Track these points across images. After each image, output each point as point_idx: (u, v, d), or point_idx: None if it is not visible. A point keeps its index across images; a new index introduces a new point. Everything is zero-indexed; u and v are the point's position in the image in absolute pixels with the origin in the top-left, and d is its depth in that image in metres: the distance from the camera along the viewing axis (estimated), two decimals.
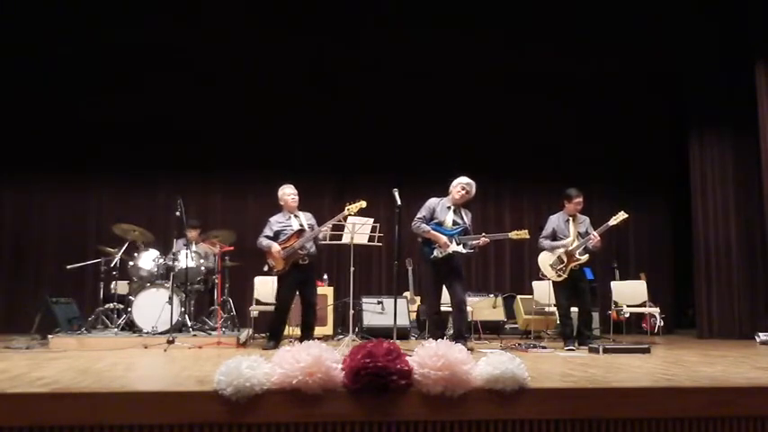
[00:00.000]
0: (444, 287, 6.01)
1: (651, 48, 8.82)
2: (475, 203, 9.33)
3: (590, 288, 6.83)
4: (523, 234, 6.10)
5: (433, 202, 6.08)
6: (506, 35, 8.75)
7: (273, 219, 6.32)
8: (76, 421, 2.83)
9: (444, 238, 5.84)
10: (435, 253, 5.85)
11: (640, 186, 9.84)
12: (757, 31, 7.79)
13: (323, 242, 6.36)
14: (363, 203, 6.03)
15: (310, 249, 6.18)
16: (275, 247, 6.07)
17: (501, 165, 9.68)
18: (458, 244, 5.89)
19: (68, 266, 7.30)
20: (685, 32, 8.57)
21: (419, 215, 6.03)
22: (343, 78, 9.29)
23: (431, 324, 6.05)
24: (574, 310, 6.48)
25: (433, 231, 5.88)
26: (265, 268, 6.38)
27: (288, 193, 6.28)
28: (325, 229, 6.08)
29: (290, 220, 6.26)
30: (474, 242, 5.99)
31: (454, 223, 5.98)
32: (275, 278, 6.40)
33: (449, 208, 6.03)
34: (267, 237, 6.20)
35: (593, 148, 9.71)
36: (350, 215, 6.01)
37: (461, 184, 6.03)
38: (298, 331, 6.50)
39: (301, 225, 6.21)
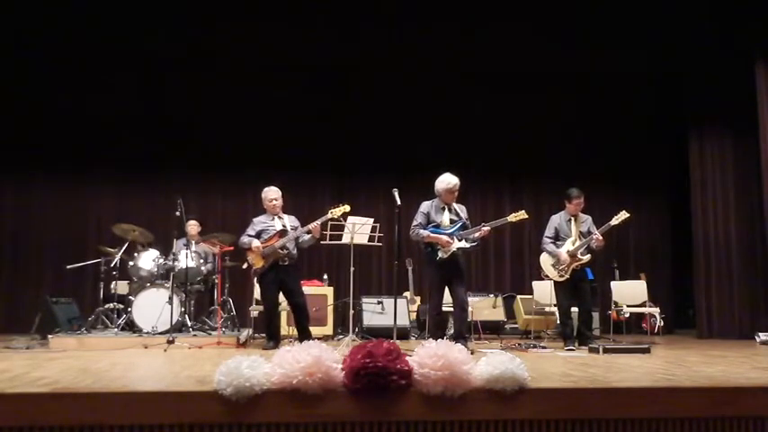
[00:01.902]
0: (447, 288, 5.99)
1: (651, 47, 8.82)
2: (475, 203, 9.40)
3: (591, 288, 6.83)
4: (521, 215, 6.04)
5: (425, 205, 6.02)
6: (506, 35, 8.75)
7: (257, 219, 6.38)
8: (76, 421, 2.83)
9: (445, 238, 5.80)
10: (440, 254, 5.80)
11: (640, 186, 9.85)
12: (757, 31, 7.79)
13: (323, 242, 6.36)
14: (347, 207, 6.05)
15: (291, 251, 6.18)
16: (255, 242, 6.11)
17: (501, 164, 9.71)
18: (459, 240, 5.86)
19: (68, 266, 7.31)
20: (685, 32, 8.57)
21: (415, 222, 5.96)
22: (344, 79, 9.30)
23: (432, 324, 6.03)
24: (574, 310, 6.47)
25: (432, 234, 5.84)
26: (244, 266, 6.42)
27: (270, 198, 6.28)
28: (314, 226, 6.06)
29: (274, 220, 6.29)
30: (476, 234, 5.92)
31: (451, 221, 5.94)
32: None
33: (442, 208, 5.98)
34: (249, 235, 6.23)
35: (593, 148, 9.72)
36: (333, 218, 6.03)
37: (449, 189, 5.93)
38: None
39: (284, 226, 6.23)
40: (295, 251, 6.25)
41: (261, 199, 6.40)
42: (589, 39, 8.68)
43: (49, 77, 8.83)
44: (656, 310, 7.99)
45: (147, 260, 6.91)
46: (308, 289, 7.25)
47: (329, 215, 6.04)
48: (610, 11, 8.30)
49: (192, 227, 7.52)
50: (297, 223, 6.36)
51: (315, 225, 6.06)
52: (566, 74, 9.32)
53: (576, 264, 6.30)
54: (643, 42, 8.70)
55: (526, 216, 6.09)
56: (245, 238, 6.24)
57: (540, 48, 8.86)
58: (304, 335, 6.04)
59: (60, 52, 8.69)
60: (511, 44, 8.84)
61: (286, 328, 6.87)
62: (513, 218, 6.06)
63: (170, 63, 8.97)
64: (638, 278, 8.75)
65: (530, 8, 8.44)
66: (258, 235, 6.21)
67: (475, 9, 8.46)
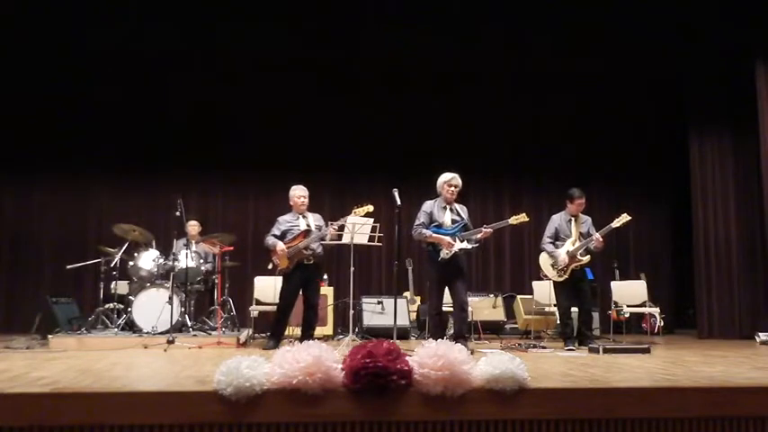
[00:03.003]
0: (447, 288, 6.00)
1: (651, 47, 8.82)
2: (475, 203, 9.41)
3: (591, 288, 6.83)
4: (522, 218, 6.07)
5: (428, 205, 6.04)
6: (506, 35, 8.75)
7: (282, 218, 6.37)
8: (76, 421, 2.83)
9: (448, 239, 5.81)
10: (442, 254, 5.81)
11: (640, 186, 9.85)
12: (757, 32, 7.79)
13: (324, 242, 6.36)
14: (371, 207, 6.05)
15: (316, 250, 6.20)
16: (280, 245, 6.11)
17: (501, 164, 9.71)
18: (461, 241, 5.87)
19: (68, 266, 7.30)
20: (685, 32, 8.56)
21: (418, 222, 5.96)
22: (344, 78, 9.30)
23: (432, 324, 6.04)
24: (574, 310, 6.47)
25: (435, 235, 5.85)
26: (269, 266, 6.40)
27: (298, 194, 6.32)
28: (332, 230, 6.09)
29: (299, 220, 6.29)
30: (477, 236, 5.94)
31: (453, 221, 5.96)
32: (276, 278, 6.44)
33: (444, 208, 6.00)
34: (274, 235, 6.24)
35: (594, 149, 9.71)
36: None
37: (448, 184, 5.96)
38: (298, 331, 6.50)
39: (308, 225, 6.23)
40: (320, 249, 6.26)
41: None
42: (590, 39, 8.68)
43: (48, 77, 8.82)
44: (656, 310, 7.99)
45: (147, 260, 6.90)
46: None
47: (353, 214, 6.04)
48: (610, 11, 8.30)
49: (193, 227, 7.52)
50: (321, 222, 6.37)
51: (333, 228, 6.07)
52: (566, 74, 9.31)
53: (576, 264, 6.30)
54: (644, 42, 8.70)
55: (527, 219, 6.11)
56: (269, 239, 6.24)
57: (541, 48, 8.85)
58: (308, 333, 6.06)
59: (60, 52, 8.69)
60: (511, 45, 8.84)
61: (287, 328, 6.86)
62: (513, 220, 6.09)
63: (170, 62, 8.96)
64: (638, 278, 8.74)
65: (530, 8, 8.43)
66: (283, 234, 6.22)
67: (475, 9, 8.46)
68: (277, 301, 6.37)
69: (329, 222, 6.14)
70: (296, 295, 6.25)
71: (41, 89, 8.83)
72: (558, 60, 9.04)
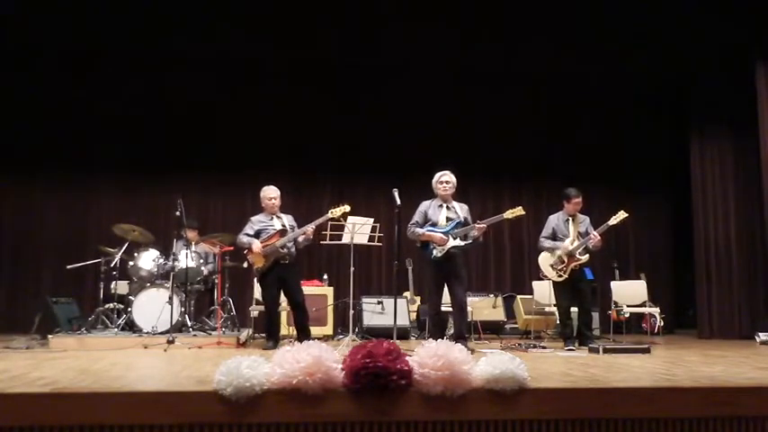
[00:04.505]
0: (445, 287, 6.00)
1: (651, 48, 8.81)
2: (475, 203, 9.39)
3: (590, 288, 6.83)
4: (518, 211, 6.08)
5: (424, 205, 6.07)
6: (507, 34, 8.73)
7: (255, 218, 6.38)
8: (76, 421, 2.83)
9: (439, 236, 5.81)
10: (435, 253, 5.82)
11: (640, 186, 9.85)
12: (757, 31, 7.79)
13: (323, 242, 6.37)
14: (347, 208, 6.09)
15: (291, 249, 6.20)
16: (256, 243, 6.12)
17: (501, 164, 9.71)
18: (454, 239, 5.87)
19: (68, 266, 7.30)
20: (686, 32, 8.56)
21: (411, 221, 6.01)
22: (343, 79, 9.30)
23: (431, 324, 6.05)
24: (574, 310, 6.47)
25: (426, 233, 5.86)
26: (245, 265, 6.45)
27: (268, 196, 6.32)
28: (310, 230, 6.11)
29: (273, 220, 6.32)
30: (474, 232, 5.92)
31: (447, 219, 5.95)
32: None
33: (440, 206, 6.02)
34: (247, 235, 6.24)
35: (594, 148, 9.71)
36: (332, 218, 6.06)
37: (439, 181, 6.03)
38: None
39: (283, 225, 6.25)
40: (294, 250, 6.27)
41: (260, 198, 6.40)
42: (589, 39, 8.67)
43: (49, 77, 8.83)
44: (656, 310, 7.99)
45: (147, 260, 6.90)
46: (308, 289, 7.25)
47: (329, 215, 6.07)
48: (610, 11, 8.29)
49: (190, 233, 7.44)
50: (294, 222, 6.38)
51: (311, 228, 6.10)
52: (566, 73, 9.31)
53: (575, 264, 6.30)
54: (643, 42, 8.69)
55: (523, 212, 6.12)
56: (243, 238, 6.25)
57: (541, 48, 8.84)
58: (303, 334, 6.06)
59: (60, 53, 8.69)
60: (511, 44, 8.83)
61: (286, 327, 6.87)
62: (509, 214, 6.07)
63: (170, 63, 8.96)
64: (638, 278, 8.74)
65: (530, 8, 8.42)
66: (257, 234, 6.23)
67: (475, 9, 8.45)
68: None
69: (307, 227, 6.13)
70: (276, 294, 6.24)
71: (41, 89, 8.83)
72: (557, 60, 9.03)
